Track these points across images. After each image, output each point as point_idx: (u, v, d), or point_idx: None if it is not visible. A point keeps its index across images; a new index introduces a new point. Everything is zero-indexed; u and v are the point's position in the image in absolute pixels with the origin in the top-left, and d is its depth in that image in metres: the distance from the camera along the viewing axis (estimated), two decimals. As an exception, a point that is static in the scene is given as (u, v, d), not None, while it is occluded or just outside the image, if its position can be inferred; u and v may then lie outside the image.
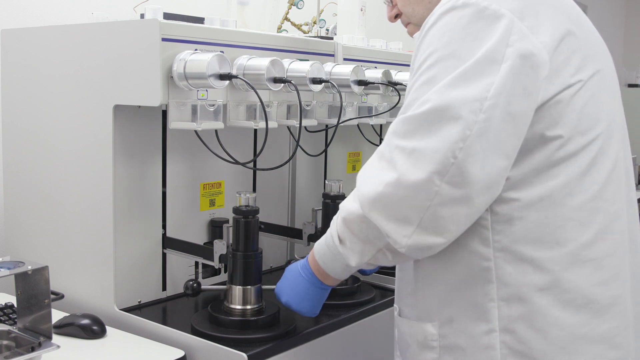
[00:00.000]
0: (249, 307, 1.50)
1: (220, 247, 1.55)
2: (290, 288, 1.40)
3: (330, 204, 1.78)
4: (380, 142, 2.28)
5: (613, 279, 1.17)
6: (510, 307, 1.14)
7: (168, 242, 1.69)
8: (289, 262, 2.06)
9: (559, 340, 1.13)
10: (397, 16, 1.43)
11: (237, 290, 1.50)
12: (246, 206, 1.51)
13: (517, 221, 1.13)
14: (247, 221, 1.50)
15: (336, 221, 1.28)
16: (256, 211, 1.52)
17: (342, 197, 1.80)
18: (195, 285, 1.58)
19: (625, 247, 1.21)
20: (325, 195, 1.80)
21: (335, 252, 1.27)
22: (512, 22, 1.08)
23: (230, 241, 1.54)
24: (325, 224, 1.79)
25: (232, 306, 1.50)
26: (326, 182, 1.82)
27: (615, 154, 1.20)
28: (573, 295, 1.13)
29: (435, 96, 1.06)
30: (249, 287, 1.50)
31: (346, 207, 1.23)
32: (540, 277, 1.13)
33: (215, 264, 1.56)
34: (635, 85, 5.91)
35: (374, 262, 1.24)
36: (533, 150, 1.12)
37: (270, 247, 1.96)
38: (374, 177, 1.12)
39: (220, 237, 1.75)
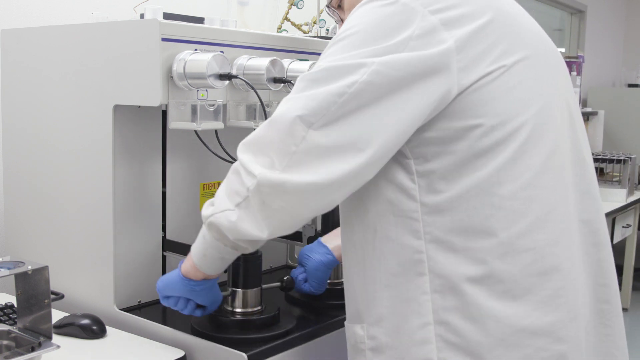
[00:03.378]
0: (249, 310, 1.50)
1: (220, 248, 1.55)
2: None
3: (330, 205, 1.78)
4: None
5: (555, 270, 1.14)
6: (444, 299, 1.12)
7: (168, 245, 1.69)
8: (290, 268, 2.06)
9: (496, 332, 1.10)
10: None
11: (237, 293, 1.50)
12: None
13: (446, 212, 1.11)
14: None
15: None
16: (256, 212, 1.51)
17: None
18: None
19: (572, 237, 1.18)
20: (325, 196, 1.79)
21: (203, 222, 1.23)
22: (422, 16, 1.08)
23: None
24: (325, 226, 1.79)
25: (232, 309, 1.50)
26: (326, 182, 1.82)
27: (554, 140, 1.17)
28: (509, 286, 1.11)
29: (326, 61, 1.10)
30: (249, 290, 1.50)
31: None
32: (473, 267, 1.11)
33: (215, 265, 1.56)
34: (635, 85, 5.91)
35: (218, 219, 1.17)
36: (455, 141, 1.11)
37: (270, 248, 1.96)
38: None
39: (220, 237, 1.75)
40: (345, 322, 1.29)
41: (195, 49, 1.47)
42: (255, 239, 1.16)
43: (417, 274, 1.14)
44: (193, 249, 1.30)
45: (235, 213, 1.14)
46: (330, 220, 1.78)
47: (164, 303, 1.41)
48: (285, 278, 1.63)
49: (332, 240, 1.59)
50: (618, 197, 4.15)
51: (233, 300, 1.50)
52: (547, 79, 1.20)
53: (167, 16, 1.48)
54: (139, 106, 1.56)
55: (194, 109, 1.48)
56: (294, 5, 2.30)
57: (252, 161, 1.10)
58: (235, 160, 1.55)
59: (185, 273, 1.34)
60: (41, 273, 1.23)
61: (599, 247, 1.24)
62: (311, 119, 1.05)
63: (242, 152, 1.13)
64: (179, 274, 1.36)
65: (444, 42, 1.08)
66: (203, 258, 1.28)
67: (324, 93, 1.06)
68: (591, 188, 1.25)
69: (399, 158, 1.13)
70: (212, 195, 1.82)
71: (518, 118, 1.12)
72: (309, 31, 2.33)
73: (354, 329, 1.23)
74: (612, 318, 1.26)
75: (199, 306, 1.41)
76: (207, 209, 1.21)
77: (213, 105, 1.51)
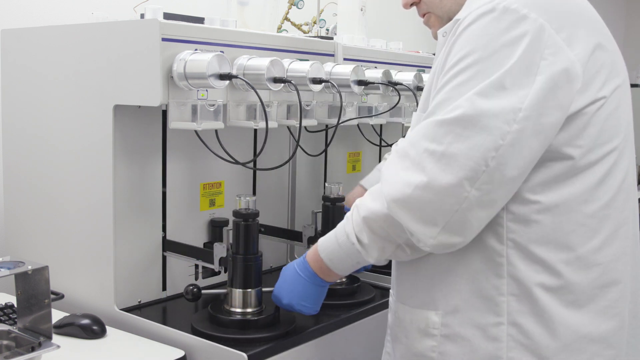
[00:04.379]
0: (249, 309, 1.50)
1: (220, 250, 1.55)
2: (290, 289, 1.41)
3: (330, 207, 1.79)
4: (381, 142, 2.29)
5: (615, 283, 1.20)
6: (520, 303, 1.17)
7: (168, 245, 1.69)
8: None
9: (564, 337, 1.16)
10: (413, 4, 1.37)
11: (237, 293, 1.50)
12: (246, 209, 1.51)
13: (532, 223, 1.16)
14: (247, 224, 1.50)
15: (351, 219, 1.29)
16: (256, 214, 1.51)
17: (342, 199, 1.80)
18: (195, 290, 1.55)
19: (628, 252, 1.23)
20: (325, 198, 1.80)
21: (350, 250, 1.29)
22: (549, 34, 1.09)
23: (230, 242, 1.54)
24: (325, 227, 1.79)
25: (232, 309, 1.50)
26: (326, 184, 1.82)
27: (627, 163, 1.23)
28: (577, 296, 1.16)
29: (468, 103, 1.08)
30: (249, 290, 1.50)
31: (367, 206, 1.24)
32: (550, 278, 1.16)
33: (216, 267, 1.56)
34: (636, 85, 5.90)
35: (392, 258, 1.28)
36: (556, 158, 1.14)
37: (270, 248, 1.96)
38: (399, 177, 1.13)
39: (220, 237, 1.75)
40: (406, 306, 1.31)
41: (196, 49, 1.47)
42: None
43: (496, 275, 1.18)
44: (339, 268, 1.35)
45: (406, 249, 1.24)
46: (330, 221, 1.78)
47: (313, 312, 1.46)
48: None
49: None
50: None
51: (233, 300, 1.50)
52: (629, 104, 1.25)
53: (167, 16, 1.48)
54: (139, 106, 1.56)
55: (194, 109, 1.48)
56: (294, 5, 2.30)
57: (415, 223, 1.13)
58: (235, 161, 1.55)
59: (333, 280, 1.41)
60: (41, 273, 1.23)
61: (637, 256, 1.28)
62: (473, 180, 1.07)
63: (398, 210, 1.14)
64: (324, 283, 1.41)
65: (571, 63, 1.10)
66: (350, 271, 1.37)
67: (479, 149, 1.07)
68: (637, 201, 1.29)
69: None
70: (211, 195, 1.84)
71: (610, 143, 1.17)
72: (309, 31, 2.33)
73: (427, 314, 1.26)
74: None
75: None
76: (373, 255, 1.27)
77: (213, 105, 1.51)
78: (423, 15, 1.38)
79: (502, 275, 1.17)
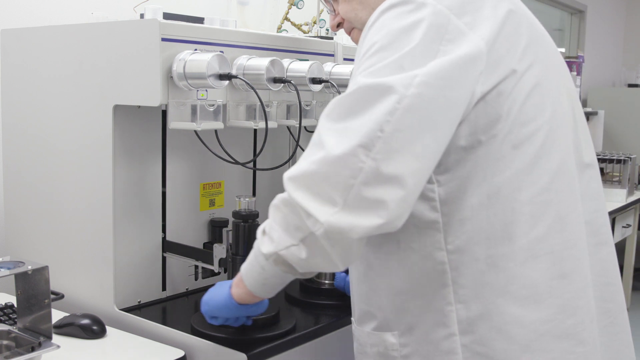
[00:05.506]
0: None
1: (220, 251, 1.55)
2: (213, 291, 1.35)
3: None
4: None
5: (575, 272, 1.15)
6: (469, 309, 1.12)
7: (168, 246, 1.69)
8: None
9: (521, 338, 1.11)
10: (339, 25, 1.40)
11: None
12: (246, 210, 1.51)
13: (467, 221, 1.11)
14: (247, 225, 1.50)
15: None
16: (256, 215, 1.51)
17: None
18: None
19: (583, 239, 1.19)
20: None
21: (256, 246, 1.18)
22: (449, 19, 1.07)
23: (230, 243, 1.54)
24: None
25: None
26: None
27: (565, 144, 1.17)
28: (531, 291, 1.11)
29: (364, 79, 1.04)
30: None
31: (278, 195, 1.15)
32: (496, 275, 1.11)
33: (215, 268, 1.56)
34: (635, 85, 5.91)
35: (286, 256, 1.10)
36: (477, 147, 1.10)
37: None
38: (302, 160, 1.06)
39: (220, 238, 1.75)
40: (364, 330, 1.26)
41: (195, 49, 1.47)
42: (329, 272, 1.15)
43: (441, 285, 1.13)
44: (247, 278, 1.22)
45: (302, 249, 1.08)
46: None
47: (212, 322, 1.37)
48: None
49: None
50: (618, 197, 4.15)
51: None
52: (556, 81, 1.20)
53: (167, 16, 1.48)
54: (139, 106, 1.56)
55: (193, 109, 1.48)
56: (294, 5, 2.31)
57: (311, 201, 1.03)
58: (235, 161, 1.55)
59: (241, 300, 1.28)
60: (41, 273, 1.23)
61: (599, 246, 1.25)
62: (368, 147, 0.99)
63: (295, 189, 1.05)
64: (231, 301, 1.29)
65: (474, 45, 1.06)
66: (262, 286, 1.22)
67: (375, 113, 1.00)
68: (589, 190, 1.25)
69: None
70: (211, 195, 1.84)
71: (535, 121, 1.12)
72: (309, 31, 2.33)
73: (385, 337, 1.21)
74: (619, 316, 1.27)
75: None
76: (266, 245, 1.13)
77: (213, 105, 1.51)
78: (349, 32, 1.39)
79: (447, 284, 1.13)
